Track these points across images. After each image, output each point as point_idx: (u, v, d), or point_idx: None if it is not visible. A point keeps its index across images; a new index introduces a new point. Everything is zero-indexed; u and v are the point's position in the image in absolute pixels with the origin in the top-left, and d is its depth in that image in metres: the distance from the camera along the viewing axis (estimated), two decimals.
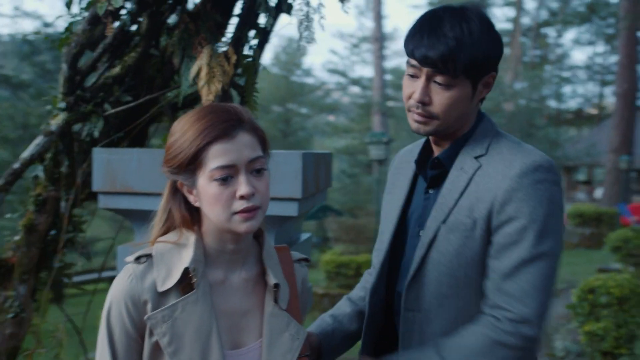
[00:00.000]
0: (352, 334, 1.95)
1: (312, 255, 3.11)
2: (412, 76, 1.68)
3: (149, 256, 1.47)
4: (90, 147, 2.79)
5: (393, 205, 1.88)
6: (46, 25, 19.41)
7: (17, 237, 2.89)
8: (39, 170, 2.83)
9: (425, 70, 1.65)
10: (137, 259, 1.47)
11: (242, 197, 1.43)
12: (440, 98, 1.65)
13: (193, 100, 2.86)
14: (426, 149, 1.82)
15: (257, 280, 1.57)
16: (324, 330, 1.91)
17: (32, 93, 17.44)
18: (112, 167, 2.49)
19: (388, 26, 67.73)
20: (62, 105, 2.61)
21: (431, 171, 1.76)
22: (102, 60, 2.78)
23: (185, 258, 1.46)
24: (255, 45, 2.80)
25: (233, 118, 1.45)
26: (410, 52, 1.67)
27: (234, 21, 2.80)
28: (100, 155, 2.49)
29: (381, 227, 1.91)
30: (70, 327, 3.02)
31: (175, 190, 1.52)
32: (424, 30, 1.64)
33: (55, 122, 2.66)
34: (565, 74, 43.46)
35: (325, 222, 17.52)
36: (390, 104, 32.87)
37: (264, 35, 2.79)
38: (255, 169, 1.47)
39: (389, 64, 42.07)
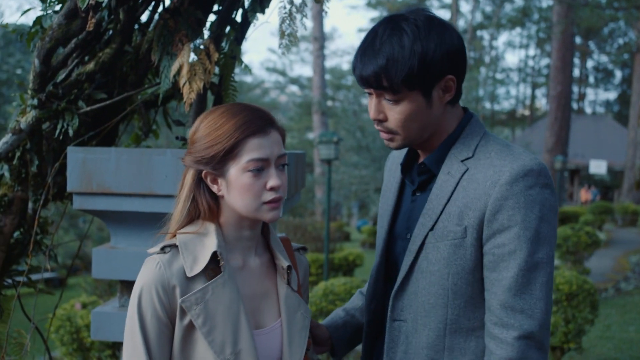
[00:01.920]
0: None
1: None
2: (370, 94, 1.68)
3: (172, 246, 1.57)
4: (60, 146, 2.68)
5: (385, 208, 1.89)
6: None
7: None
8: (4, 170, 2.71)
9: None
10: (162, 249, 1.57)
11: (272, 189, 1.57)
12: (392, 114, 1.65)
13: (168, 97, 2.79)
14: (411, 152, 1.82)
15: (268, 265, 1.70)
16: (334, 323, 1.97)
17: None
18: (88, 167, 2.41)
19: (327, 26, 67.99)
20: (34, 102, 2.50)
21: (419, 177, 1.75)
22: (72, 56, 2.68)
23: (209, 245, 1.57)
24: (231, 42, 2.75)
25: (267, 117, 1.60)
26: (352, 73, 1.69)
27: (211, 18, 2.74)
28: (75, 155, 2.41)
29: (377, 230, 1.93)
30: (34, 330, 2.90)
31: (199, 181, 1.60)
32: (359, 50, 1.66)
33: (25, 120, 2.54)
34: (499, 76, 44.60)
35: None
36: (330, 103, 32.98)
37: (241, 32, 2.75)
38: (282, 164, 1.61)
39: (328, 63, 42.23)
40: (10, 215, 2.73)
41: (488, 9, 39.99)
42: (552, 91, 21.08)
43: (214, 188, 1.59)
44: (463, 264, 1.61)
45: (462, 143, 1.69)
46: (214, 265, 1.56)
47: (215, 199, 1.62)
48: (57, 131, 2.54)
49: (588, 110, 48.62)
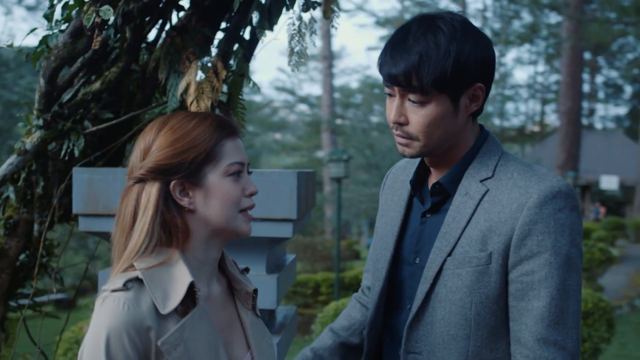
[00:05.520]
0: None
1: None
2: (390, 95, 1.57)
3: (134, 280, 1.34)
4: (65, 167, 2.64)
5: (388, 229, 1.75)
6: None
7: None
8: (9, 192, 2.67)
9: (397, 88, 1.53)
10: (124, 285, 1.34)
11: (251, 195, 1.44)
12: (416, 117, 1.53)
13: None
14: (422, 169, 1.71)
15: (227, 291, 1.53)
16: None
17: None
18: (94, 188, 2.36)
19: (335, 44, 68.27)
20: (39, 122, 2.46)
21: (433, 198, 1.64)
22: (79, 75, 2.64)
23: (179, 275, 1.36)
24: (239, 60, 2.71)
25: (233, 121, 1.47)
26: (378, 70, 1.57)
27: (219, 35, 2.71)
28: (80, 175, 2.36)
29: (375, 252, 1.80)
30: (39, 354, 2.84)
31: (167, 196, 1.39)
32: (389, 46, 1.54)
33: (31, 141, 2.50)
34: (508, 93, 44.52)
35: None
36: (339, 121, 33.02)
37: (249, 50, 2.70)
38: (249, 172, 1.48)
39: (337, 81, 42.33)
40: (15, 237, 2.69)
41: (496, 25, 40.01)
42: (563, 107, 20.98)
43: (184, 202, 1.39)
44: (487, 293, 1.51)
45: (480, 162, 1.59)
46: (183, 299, 1.37)
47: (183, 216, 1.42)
48: (63, 152, 2.50)
49: (598, 125, 48.37)
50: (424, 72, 1.47)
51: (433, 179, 1.68)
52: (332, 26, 2.60)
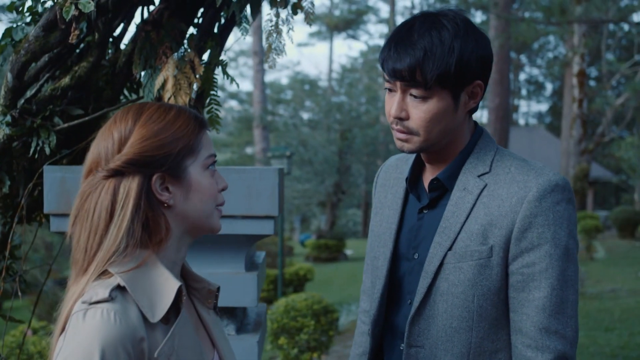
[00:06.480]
0: None
1: None
2: (390, 90, 1.60)
3: (116, 288, 1.24)
4: (30, 166, 2.54)
5: (384, 226, 1.77)
6: None
7: None
8: None
9: (399, 83, 1.56)
10: (109, 295, 1.22)
11: (223, 189, 1.40)
12: (417, 112, 1.56)
13: None
14: (417, 165, 1.73)
15: (186, 291, 1.46)
16: None
17: None
18: (67, 187, 2.29)
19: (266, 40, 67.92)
20: (7, 119, 2.36)
21: (432, 193, 1.67)
22: (45, 70, 2.54)
23: (161, 279, 1.28)
24: (213, 55, 2.67)
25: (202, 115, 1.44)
26: (381, 65, 1.60)
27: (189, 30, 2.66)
28: (53, 174, 2.29)
29: (372, 250, 1.81)
30: None
31: (148, 192, 1.29)
32: (393, 42, 1.57)
33: None
34: None
35: None
36: (270, 117, 32.97)
37: (220, 45, 2.67)
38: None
39: (267, 78, 42.25)
40: None
41: None
42: (491, 103, 21.51)
43: (164, 197, 1.30)
44: (489, 285, 1.56)
45: (477, 157, 1.63)
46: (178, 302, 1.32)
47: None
48: (32, 149, 2.40)
49: (521, 121, 49.91)
50: (428, 68, 1.51)
51: (428, 175, 1.71)
52: (307, 23, 2.58)
